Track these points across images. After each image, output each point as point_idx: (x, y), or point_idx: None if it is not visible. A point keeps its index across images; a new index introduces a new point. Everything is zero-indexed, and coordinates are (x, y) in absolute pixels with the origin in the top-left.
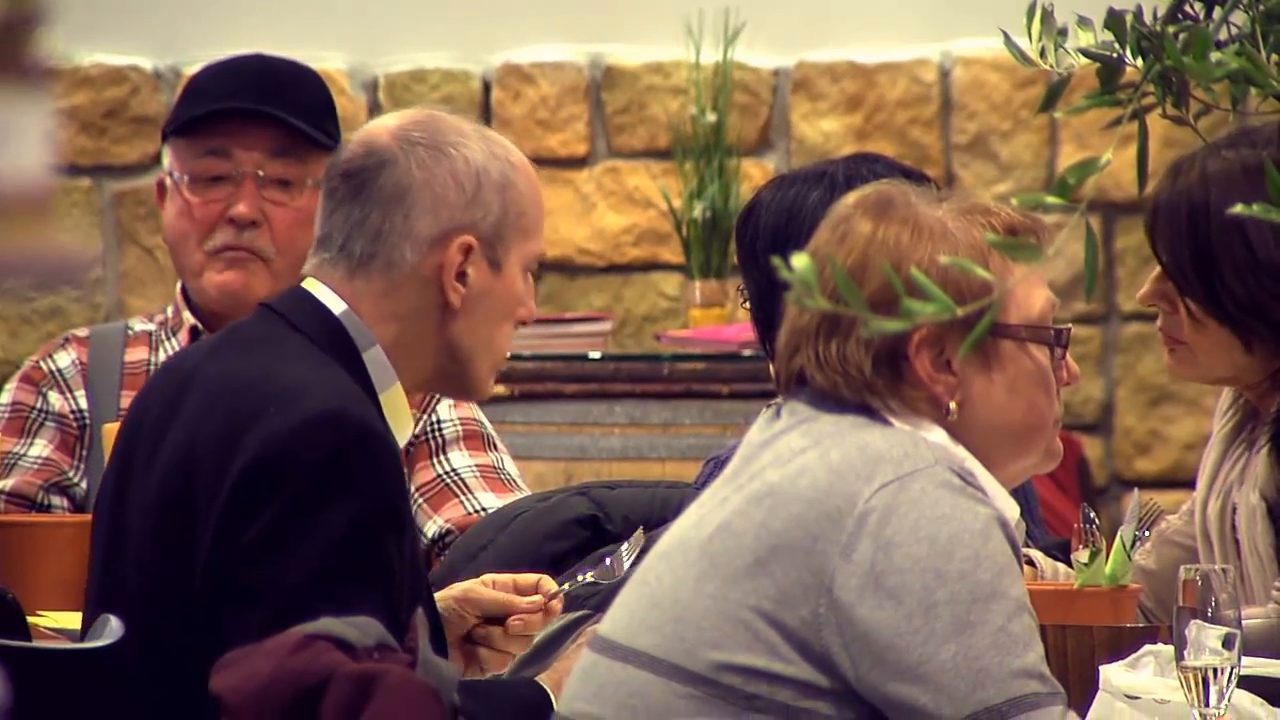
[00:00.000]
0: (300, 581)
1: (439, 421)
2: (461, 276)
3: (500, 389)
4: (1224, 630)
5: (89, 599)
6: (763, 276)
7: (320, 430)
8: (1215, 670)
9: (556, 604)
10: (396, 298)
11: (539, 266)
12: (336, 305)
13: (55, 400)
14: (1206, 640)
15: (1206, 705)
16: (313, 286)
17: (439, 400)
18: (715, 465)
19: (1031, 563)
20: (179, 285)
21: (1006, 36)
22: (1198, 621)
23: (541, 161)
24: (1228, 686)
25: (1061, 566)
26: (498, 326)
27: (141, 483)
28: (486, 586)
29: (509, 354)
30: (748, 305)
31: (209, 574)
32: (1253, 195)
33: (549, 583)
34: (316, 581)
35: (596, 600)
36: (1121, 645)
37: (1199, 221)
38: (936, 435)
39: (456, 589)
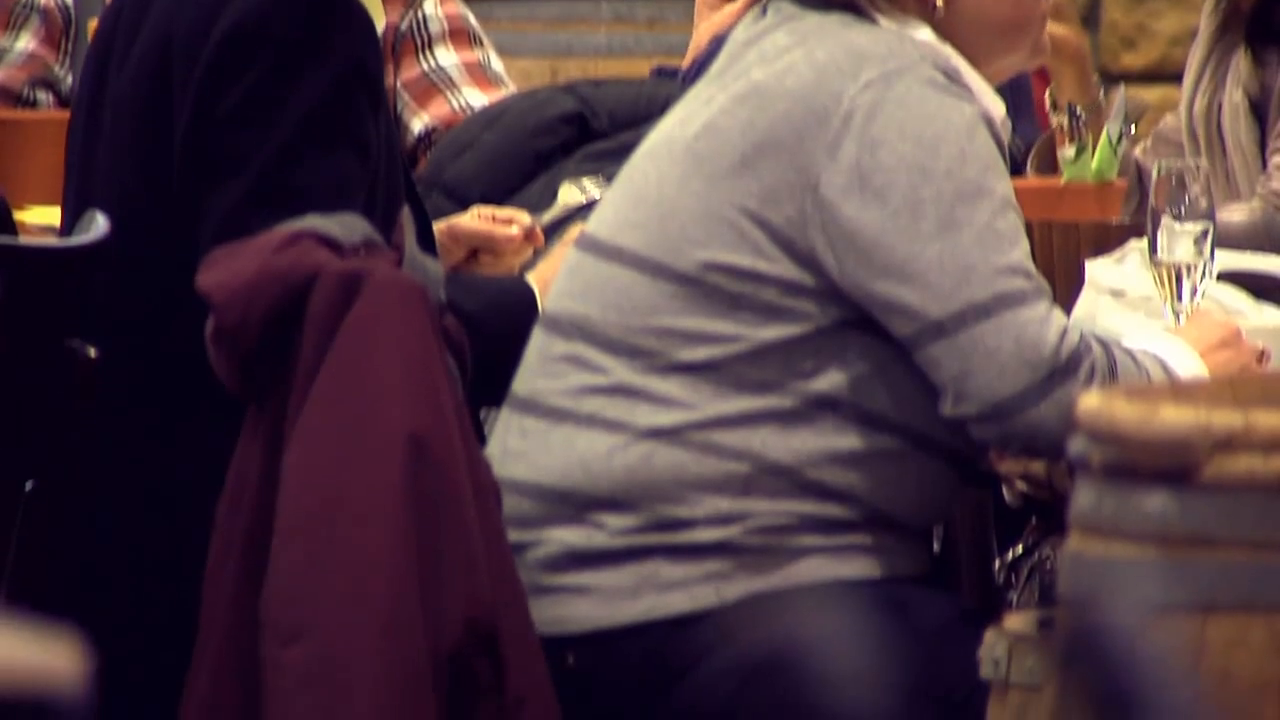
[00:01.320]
0: (281, 143)
1: (425, 18)
2: None
3: None
4: (1197, 225)
5: (66, 200)
6: None
7: None
8: (1188, 266)
9: (538, 236)
10: None
11: None
12: None
13: None
14: (1179, 236)
15: (1179, 300)
16: None
17: None
18: (717, 43)
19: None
20: None
21: None
22: (1169, 218)
23: None
24: (1201, 281)
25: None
26: None
27: (116, 83)
28: (473, 220)
29: None
30: None
31: (188, 153)
32: None
33: (524, 217)
34: (297, 142)
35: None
36: (1107, 241)
37: None
38: (923, 33)
39: (442, 222)
